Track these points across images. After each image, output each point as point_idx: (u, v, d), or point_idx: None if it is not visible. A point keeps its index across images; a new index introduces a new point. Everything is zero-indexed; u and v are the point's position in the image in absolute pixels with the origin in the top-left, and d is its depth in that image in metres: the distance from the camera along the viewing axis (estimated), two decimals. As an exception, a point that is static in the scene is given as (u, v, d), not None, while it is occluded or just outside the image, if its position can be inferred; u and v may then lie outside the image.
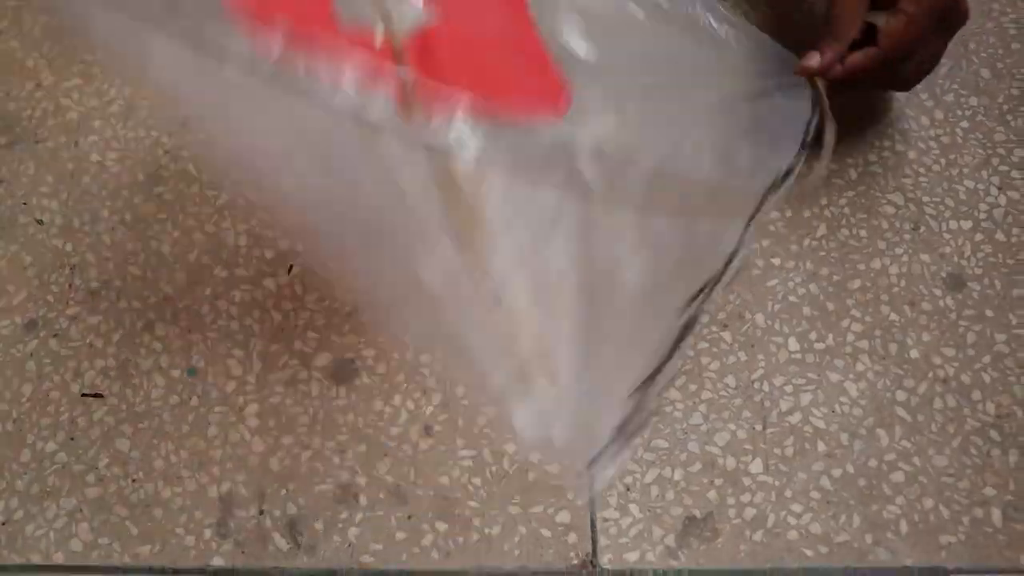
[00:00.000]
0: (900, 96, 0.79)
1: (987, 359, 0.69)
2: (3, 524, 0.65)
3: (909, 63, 0.69)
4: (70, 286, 0.73)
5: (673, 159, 0.54)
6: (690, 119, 0.58)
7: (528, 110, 0.51)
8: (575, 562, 0.64)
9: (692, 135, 0.56)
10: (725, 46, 0.62)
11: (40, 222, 0.76)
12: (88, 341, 0.71)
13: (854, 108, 0.78)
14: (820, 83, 0.66)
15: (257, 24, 0.45)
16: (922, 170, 0.77)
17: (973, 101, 0.80)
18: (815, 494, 0.65)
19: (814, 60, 0.66)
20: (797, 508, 0.65)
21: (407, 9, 0.51)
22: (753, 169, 0.58)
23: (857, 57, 0.66)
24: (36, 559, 0.65)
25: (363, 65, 0.45)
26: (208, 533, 0.65)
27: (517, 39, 0.55)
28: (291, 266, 0.74)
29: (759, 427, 0.67)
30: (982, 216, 0.75)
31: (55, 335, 0.71)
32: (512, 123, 0.50)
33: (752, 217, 0.57)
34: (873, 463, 0.66)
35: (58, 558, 0.65)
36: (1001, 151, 0.77)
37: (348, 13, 0.50)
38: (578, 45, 0.54)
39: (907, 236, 0.74)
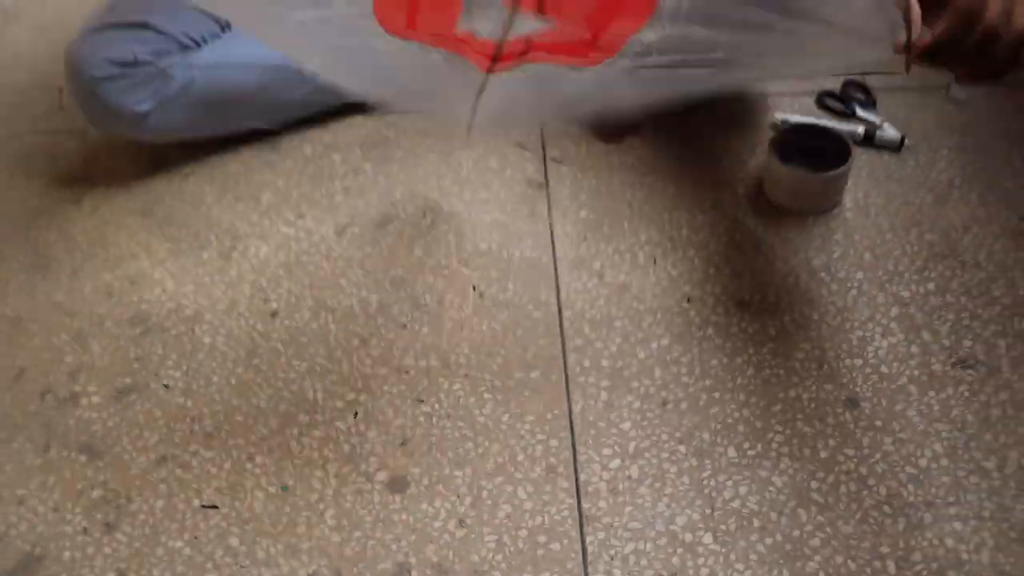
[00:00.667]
0: (804, 273, 1.07)
1: (878, 456, 0.92)
2: (146, 600, 0.86)
3: (995, 45, 0.73)
4: (191, 431, 0.98)
5: None
6: None
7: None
8: (575, 614, 0.85)
9: None
10: None
11: (167, 386, 1.02)
12: (205, 469, 0.95)
13: (771, 285, 1.06)
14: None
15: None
16: (824, 326, 1.03)
17: (859, 275, 1.07)
18: (753, 556, 0.86)
19: (902, 36, 0.72)
20: (740, 567, 0.86)
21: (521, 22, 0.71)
22: None
23: (937, 25, 0.72)
24: (168, 628, 0.86)
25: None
26: (298, 603, 0.86)
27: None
28: (356, 412, 0.99)
29: (708, 511, 0.89)
30: (870, 356, 1.00)
31: (180, 466, 0.95)
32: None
33: None
34: (796, 533, 0.88)
35: (185, 626, 0.86)
36: (882, 309, 1.04)
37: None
38: None
39: (814, 372, 0.99)
